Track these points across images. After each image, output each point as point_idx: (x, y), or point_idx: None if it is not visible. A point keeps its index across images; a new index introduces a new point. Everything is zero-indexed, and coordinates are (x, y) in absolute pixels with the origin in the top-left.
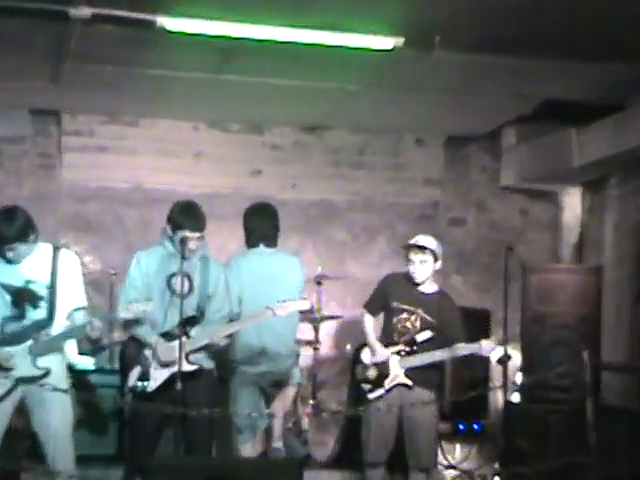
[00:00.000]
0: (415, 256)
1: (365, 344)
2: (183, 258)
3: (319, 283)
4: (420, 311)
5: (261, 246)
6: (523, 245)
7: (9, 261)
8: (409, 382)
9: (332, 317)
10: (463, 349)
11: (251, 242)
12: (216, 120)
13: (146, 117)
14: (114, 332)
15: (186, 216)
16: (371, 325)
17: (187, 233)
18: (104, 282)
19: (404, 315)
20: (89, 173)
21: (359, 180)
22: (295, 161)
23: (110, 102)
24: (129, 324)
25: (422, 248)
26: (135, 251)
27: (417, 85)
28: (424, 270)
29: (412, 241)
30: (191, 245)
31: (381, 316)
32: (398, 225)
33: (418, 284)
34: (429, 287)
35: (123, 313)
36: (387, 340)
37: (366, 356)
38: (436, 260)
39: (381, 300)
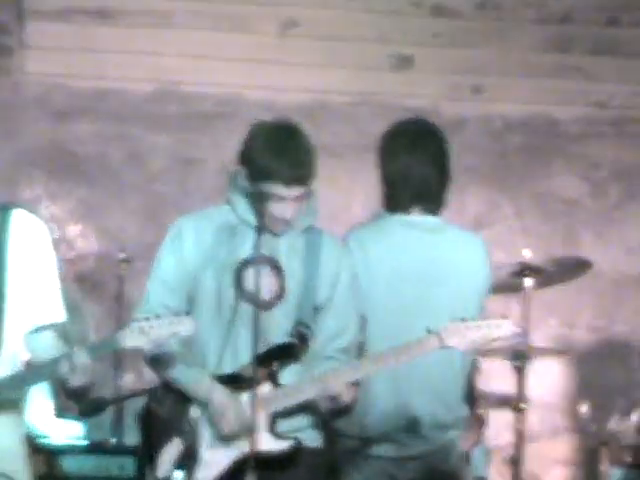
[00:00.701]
0: None
1: None
2: (261, 230)
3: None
4: None
5: (414, 212)
6: None
7: None
8: None
9: (552, 351)
10: None
11: (394, 203)
12: None
13: None
14: (124, 374)
15: (279, 153)
16: None
17: (281, 189)
18: (106, 275)
19: None
20: (75, 62)
21: (608, 77)
22: (483, 39)
23: None
24: (157, 362)
25: None
26: (171, 217)
27: None
28: None
29: None
30: (285, 211)
31: None
32: None
33: None
34: None
35: (132, 339)
36: None
37: None
38: None
39: None
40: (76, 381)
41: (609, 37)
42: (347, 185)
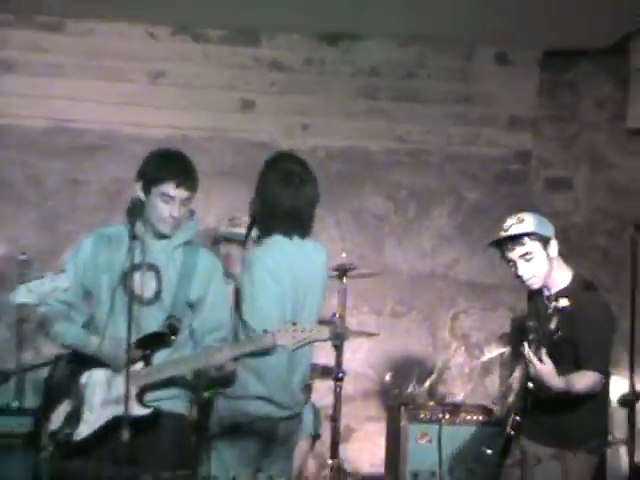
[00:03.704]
0: (512, 252)
1: None
2: (133, 236)
3: (342, 277)
4: None
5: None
6: None
7: None
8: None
9: (363, 333)
10: None
11: (273, 226)
12: (185, 23)
13: (74, 17)
14: (24, 351)
15: (169, 164)
16: None
17: (170, 188)
18: (9, 273)
19: None
20: None
21: (407, 118)
22: (307, 88)
23: None
24: (44, 323)
25: (517, 238)
26: (58, 224)
27: None
28: (532, 267)
29: (502, 233)
30: (173, 210)
31: None
32: (466, 189)
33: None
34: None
35: (21, 296)
36: None
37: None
38: (546, 244)
39: None
40: None
41: (406, 87)
42: (203, 203)
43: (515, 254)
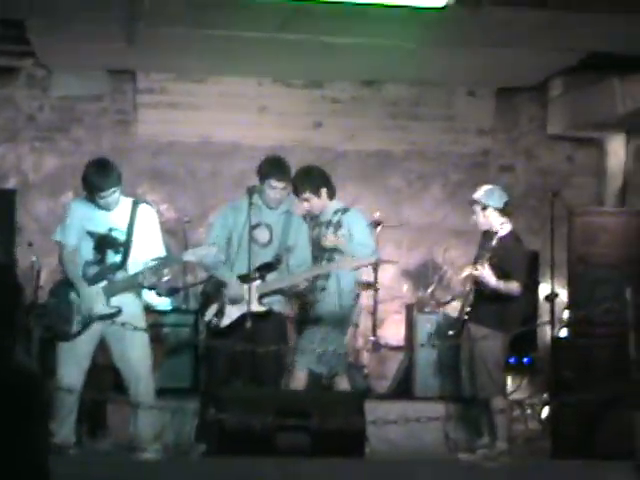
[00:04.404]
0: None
1: None
2: (251, 204)
3: (377, 225)
4: None
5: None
6: (569, 190)
7: (99, 207)
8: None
9: (390, 261)
10: None
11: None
12: (279, 76)
13: (213, 74)
14: (188, 275)
15: (273, 166)
16: None
17: (273, 182)
18: (178, 229)
19: None
20: (162, 128)
21: (414, 131)
22: (354, 114)
23: (180, 61)
24: (207, 267)
25: (473, 202)
26: (206, 199)
27: (468, 40)
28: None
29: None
30: (275, 194)
31: None
32: (451, 173)
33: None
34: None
35: (187, 256)
36: None
37: None
38: (485, 209)
39: None
40: (146, 282)
41: (417, 113)
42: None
43: (473, 209)
